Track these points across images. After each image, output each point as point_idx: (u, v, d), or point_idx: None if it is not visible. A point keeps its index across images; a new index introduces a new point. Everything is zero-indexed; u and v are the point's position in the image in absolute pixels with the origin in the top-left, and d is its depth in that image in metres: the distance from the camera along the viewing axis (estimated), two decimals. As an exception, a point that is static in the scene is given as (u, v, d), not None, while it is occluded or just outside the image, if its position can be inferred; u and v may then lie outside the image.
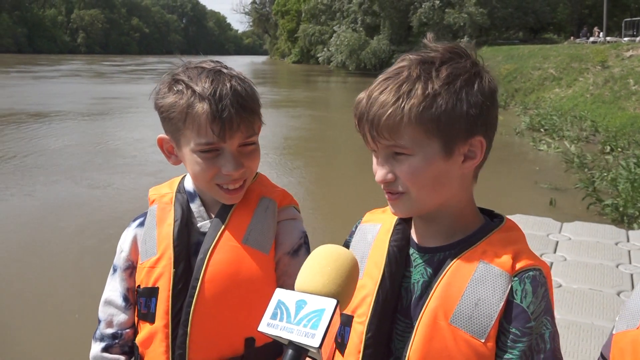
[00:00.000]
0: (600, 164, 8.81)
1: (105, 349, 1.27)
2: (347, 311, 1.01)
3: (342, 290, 0.79)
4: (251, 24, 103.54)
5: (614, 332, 0.95)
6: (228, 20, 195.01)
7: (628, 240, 4.45)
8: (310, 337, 0.72)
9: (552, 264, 3.89)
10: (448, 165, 0.94)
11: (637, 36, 21.27)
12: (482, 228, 1.00)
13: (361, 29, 41.13)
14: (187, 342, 1.18)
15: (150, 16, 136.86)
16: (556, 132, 12.38)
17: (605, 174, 7.90)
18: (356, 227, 1.15)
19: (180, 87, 1.17)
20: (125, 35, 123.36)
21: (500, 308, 0.91)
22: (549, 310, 0.94)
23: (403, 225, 1.06)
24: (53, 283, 4.80)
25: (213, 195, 1.24)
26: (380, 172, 0.96)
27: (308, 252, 1.30)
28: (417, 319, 0.96)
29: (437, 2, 34.79)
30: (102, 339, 1.28)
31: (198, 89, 1.14)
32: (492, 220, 1.03)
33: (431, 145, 0.92)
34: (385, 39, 39.06)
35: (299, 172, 9.68)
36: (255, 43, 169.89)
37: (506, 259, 0.94)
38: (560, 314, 3.11)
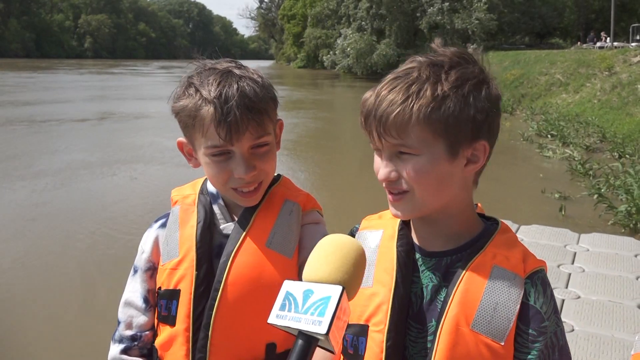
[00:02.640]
0: (607, 172, 8.72)
1: (124, 351, 1.25)
2: (361, 321, 1.01)
3: (349, 277, 0.79)
4: (257, 28, 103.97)
5: (632, 352, 0.96)
6: (234, 25, 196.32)
7: (648, 253, 4.39)
8: (317, 324, 0.72)
9: (570, 275, 3.86)
10: (452, 167, 0.96)
11: (644, 41, 21.19)
12: (485, 231, 1.02)
13: (368, 33, 41.14)
14: (208, 346, 1.16)
15: (156, 21, 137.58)
16: (562, 139, 12.31)
17: (614, 181, 7.83)
18: (352, 234, 1.14)
19: (191, 90, 1.16)
20: (132, 40, 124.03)
21: (517, 310, 0.93)
22: (556, 309, 0.98)
23: (405, 230, 1.06)
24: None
25: (231, 198, 1.23)
26: (383, 171, 0.96)
27: None
28: (429, 323, 0.97)
29: (446, 4, 34.80)
30: (121, 341, 1.26)
31: (205, 92, 1.14)
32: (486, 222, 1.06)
33: (437, 146, 0.93)
34: (392, 43, 39.07)
35: (310, 169, 9.72)
36: (261, 48, 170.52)
37: (516, 262, 0.97)
38: (579, 326, 3.09)
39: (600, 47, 23.76)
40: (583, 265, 4.06)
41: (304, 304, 0.75)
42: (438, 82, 0.92)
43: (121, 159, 10.66)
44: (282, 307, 0.77)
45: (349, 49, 40.52)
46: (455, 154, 0.95)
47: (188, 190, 1.32)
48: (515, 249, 0.99)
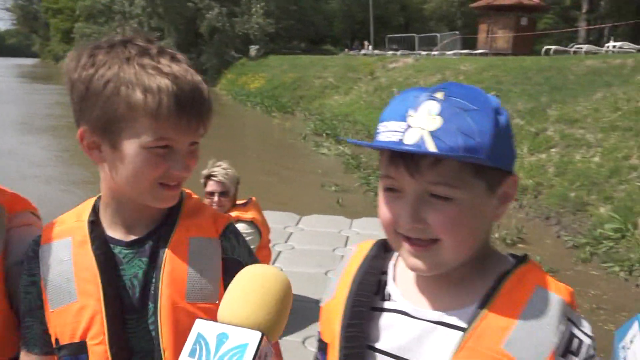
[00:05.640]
0: (374, 164, 9.75)
1: None
2: (75, 339, 0.95)
3: (271, 319, 0.70)
4: (15, 22, 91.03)
5: None
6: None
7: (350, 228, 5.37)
8: None
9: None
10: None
11: (398, 50, 24.33)
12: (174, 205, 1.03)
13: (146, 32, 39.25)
14: None
15: None
16: (335, 136, 13.37)
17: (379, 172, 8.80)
18: (34, 250, 1.02)
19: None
20: None
21: (220, 267, 1.00)
22: (251, 252, 1.11)
23: (97, 230, 1.01)
24: None
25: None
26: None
27: None
28: (148, 307, 0.97)
29: (224, 9, 35.11)
30: None
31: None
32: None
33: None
34: (172, 44, 37.93)
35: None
36: (21, 43, 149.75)
37: (207, 226, 1.03)
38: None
39: (365, 54, 26.54)
40: (294, 244, 4.93)
41: (217, 351, 0.67)
42: None
43: None
44: (192, 353, 0.68)
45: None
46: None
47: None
48: (204, 213, 1.05)
